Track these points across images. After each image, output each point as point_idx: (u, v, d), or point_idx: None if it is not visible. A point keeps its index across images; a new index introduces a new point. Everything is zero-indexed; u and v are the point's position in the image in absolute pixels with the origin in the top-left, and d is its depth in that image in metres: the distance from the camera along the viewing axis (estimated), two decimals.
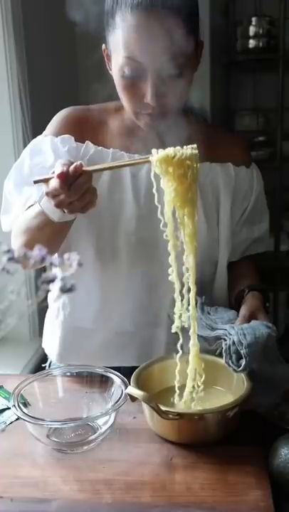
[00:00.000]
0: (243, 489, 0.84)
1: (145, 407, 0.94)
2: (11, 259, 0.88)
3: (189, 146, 0.94)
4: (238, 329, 1.00)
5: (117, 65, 1.03)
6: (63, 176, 0.91)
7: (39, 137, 1.18)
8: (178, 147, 0.93)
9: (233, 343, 0.98)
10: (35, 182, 0.98)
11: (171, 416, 0.90)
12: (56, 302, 1.24)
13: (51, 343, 1.26)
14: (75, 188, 0.93)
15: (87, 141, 1.15)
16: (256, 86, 3.01)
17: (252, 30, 2.79)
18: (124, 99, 1.07)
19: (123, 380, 0.99)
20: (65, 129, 1.15)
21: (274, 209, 2.67)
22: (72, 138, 1.15)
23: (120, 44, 1.01)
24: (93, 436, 0.95)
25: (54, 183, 0.93)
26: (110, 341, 1.20)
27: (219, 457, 0.91)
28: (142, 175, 1.14)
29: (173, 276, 0.97)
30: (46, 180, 0.96)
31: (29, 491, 0.86)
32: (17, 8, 1.91)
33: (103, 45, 1.08)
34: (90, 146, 1.15)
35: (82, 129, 1.16)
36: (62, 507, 0.83)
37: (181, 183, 0.92)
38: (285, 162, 2.84)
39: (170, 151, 0.92)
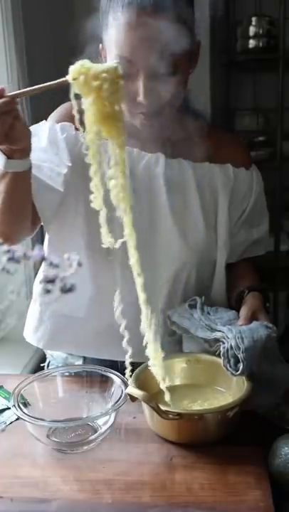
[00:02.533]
0: (243, 489, 0.84)
1: (145, 407, 0.94)
2: (11, 259, 0.88)
3: (110, 62, 0.90)
4: (236, 332, 1.00)
5: None
6: None
7: (42, 122, 1.18)
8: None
9: (231, 347, 0.98)
10: None
11: (171, 416, 0.90)
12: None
13: (38, 330, 1.24)
14: None
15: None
16: (256, 86, 3.00)
17: (252, 30, 2.78)
18: None
19: (123, 380, 0.99)
20: (67, 117, 1.15)
21: (274, 209, 2.67)
22: (73, 126, 1.14)
23: (113, 43, 1.01)
24: (93, 436, 0.95)
25: None
26: (102, 333, 1.19)
27: (219, 457, 0.91)
28: (139, 169, 1.14)
29: (96, 204, 0.91)
30: None
31: (29, 491, 0.85)
32: (17, 8, 1.91)
33: (100, 45, 1.08)
34: None
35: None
36: (62, 507, 0.83)
37: (98, 96, 0.86)
38: (285, 162, 2.83)
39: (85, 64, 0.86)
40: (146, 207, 1.14)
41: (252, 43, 2.79)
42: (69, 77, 0.87)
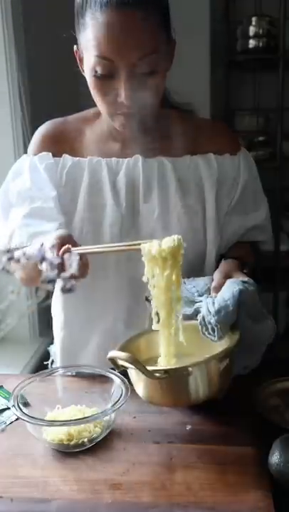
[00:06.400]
0: (243, 489, 0.84)
1: (132, 373, 0.92)
2: (11, 259, 0.89)
3: (175, 238, 0.94)
4: (209, 299, 0.98)
5: (88, 64, 1.03)
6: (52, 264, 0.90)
7: (23, 156, 1.21)
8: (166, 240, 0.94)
9: (205, 314, 0.96)
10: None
11: (158, 374, 0.88)
12: (54, 307, 1.25)
13: (57, 351, 1.28)
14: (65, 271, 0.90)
15: (64, 155, 1.16)
16: (256, 86, 3.00)
17: (252, 30, 2.78)
18: (98, 101, 1.07)
19: (123, 380, 0.99)
20: (42, 146, 1.18)
21: (274, 209, 2.67)
22: (50, 154, 1.16)
23: (91, 43, 1.00)
24: (93, 436, 0.95)
25: (44, 267, 0.91)
26: (104, 342, 1.19)
27: (219, 457, 0.91)
28: (121, 177, 1.14)
29: None
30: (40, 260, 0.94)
31: (29, 491, 0.85)
32: (17, 8, 1.91)
33: (75, 47, 1.08)
34: (67, 159, 1.16)
35: (60, 142, 1.17)
36: (62, 507, 0.83)
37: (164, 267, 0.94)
38: (285, 162, 2.84)
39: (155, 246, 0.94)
40: (129, 212, 1.14)
41: (252, 43, 2.80)
42: (143, 254, 0.94)
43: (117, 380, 1.01)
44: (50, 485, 0.87)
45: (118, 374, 1.02)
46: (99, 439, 0.95)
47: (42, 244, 0.93)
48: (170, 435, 0.96)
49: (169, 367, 0.92)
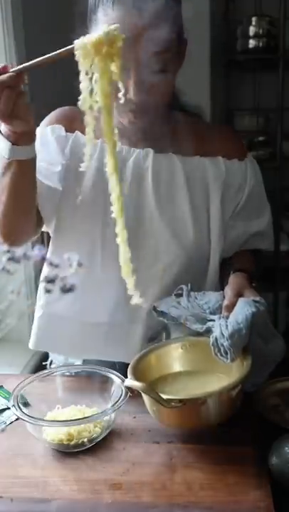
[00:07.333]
0: (243, 489, 0.84)
1: (146, 397, 0.93)
2: (11, 259, 0.88)
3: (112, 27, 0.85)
4: (221, 319, 0.98)
5: None
6: None
7: None
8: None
9: (218, 336, 0.97)
10: None
11: (173, 404, 0.88)
12: (40, 287, 1.25)
13: (33, 329, 1.25)
14: None
15: (76, 131, 1.16)
16: (256, 86, 3.01)
17: (252, 30, 2.79)
18: None
19: (123, 380, 0.99)
20: (56, 121, 1.18)
21: (274, 209, 2.67)
22: (63, 128, 1.16)
23: None
24: (93, 436, 0.95)
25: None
26: (85, 332, 1.19)
27: (219, 457, 0.91)
28: (129, 165, 1.14)
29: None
30: None
31: (29, 491, 0.85)
32: (17, 8, 1.91)
33: None
34: (79, 136, 1.15)
35: (74, 123, 1.17)
36: (62, 507, 0.83)
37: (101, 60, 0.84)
38: (285, 162, 2.84)
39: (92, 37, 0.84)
40: (134, 203, 1.14)
41: (252, 42, 2.80)
42: (77, 42, 0.85)
43: (117, 380, 1.01)
44: (50, 485, 0.87)
45: (118, 374, 1.02)
46: (99, 439, 0.95)
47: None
48: (170, 435, 0.96)
49: (184, 397, 0.92)
